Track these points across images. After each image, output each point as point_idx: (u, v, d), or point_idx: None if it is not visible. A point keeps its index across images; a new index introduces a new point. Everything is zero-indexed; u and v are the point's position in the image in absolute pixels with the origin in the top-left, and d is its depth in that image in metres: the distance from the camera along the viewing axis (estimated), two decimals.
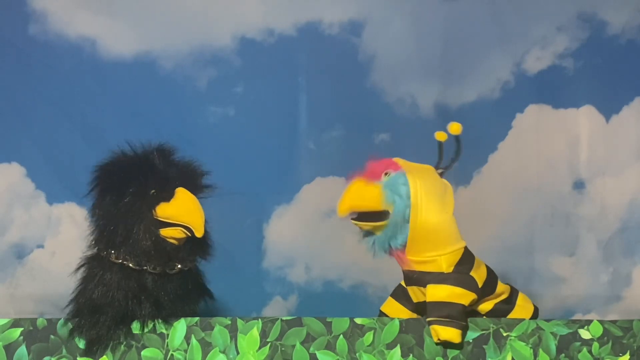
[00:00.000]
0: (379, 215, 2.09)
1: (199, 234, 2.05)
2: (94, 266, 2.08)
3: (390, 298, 2.26)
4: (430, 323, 2.09)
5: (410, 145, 2.78)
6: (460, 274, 2.10)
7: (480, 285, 2.12)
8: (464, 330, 2.10)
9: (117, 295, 2.04)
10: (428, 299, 2.10)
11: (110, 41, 2.85)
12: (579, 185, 2.96)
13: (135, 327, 2.07)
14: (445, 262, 2.10)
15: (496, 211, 2.88)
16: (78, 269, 2.11)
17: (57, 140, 2.81)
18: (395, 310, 2.22)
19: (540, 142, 2.94)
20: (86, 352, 2.06)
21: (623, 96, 2.97)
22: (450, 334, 2.06)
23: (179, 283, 2.10)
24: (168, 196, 2.05)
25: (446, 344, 2.09)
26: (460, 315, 2.08)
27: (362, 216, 2.11)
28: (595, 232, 2.94)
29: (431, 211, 2.08)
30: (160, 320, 2.08)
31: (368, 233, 2.14)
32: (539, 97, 2.95)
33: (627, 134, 2.96)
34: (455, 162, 2.18)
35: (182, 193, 2.06)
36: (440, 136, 2.20)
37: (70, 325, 2.06)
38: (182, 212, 2.05)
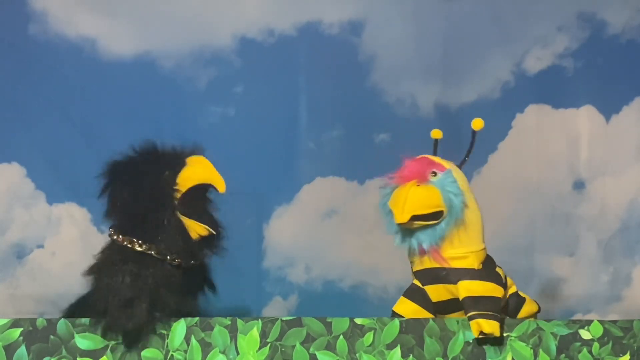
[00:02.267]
0: (433, 216, 2.09)
1: (222, 189, 2.07)
2: (116, 259, 2.04)
3: (403, 298, 2.21)
4: (472, 318, 2.08)
5: (410, 145, 2.77)
6: (489, 269, 2.14)
7: (503, 281, 2.17)
8: (503, 323, 2.11)
9: (148, 285, 2.02)
10: (463, 295, 2.09)
11: (110, 41, 2.84)
12: (579, 185, 2.96)
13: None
14: (476, 260, 2.12)
15: (496, 211, 2.88)
16: (94, 265, 2.07)
17: (57, 140, 2.81)
18: (412, 310, 2.18)
19: (540, 142, 2.94)
20: (124, 346, 2.03)
21: (623, 96, 2.97)
22: (493, 327, 2.06)
23: (191, 276, 2.09)
24: (181, 167, 2.06)
25: (487, 338, 2.09)
26: (500, 309, 2.10)
27: (417, 217, 2.09)
28: (595, 232, 2.94)
29: (472, 207, 2.12)
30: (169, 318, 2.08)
31: (402, 230, 2.13)
32: (539, 97, 2.95)
33: (627, 134, 2.96)
34: (468, 157, 2.19)
35: (194, 158, 2.08)
36: (436, 134, 2.24)
37: (102, 324, 2.03)
38: (199, 172, 2.07)
